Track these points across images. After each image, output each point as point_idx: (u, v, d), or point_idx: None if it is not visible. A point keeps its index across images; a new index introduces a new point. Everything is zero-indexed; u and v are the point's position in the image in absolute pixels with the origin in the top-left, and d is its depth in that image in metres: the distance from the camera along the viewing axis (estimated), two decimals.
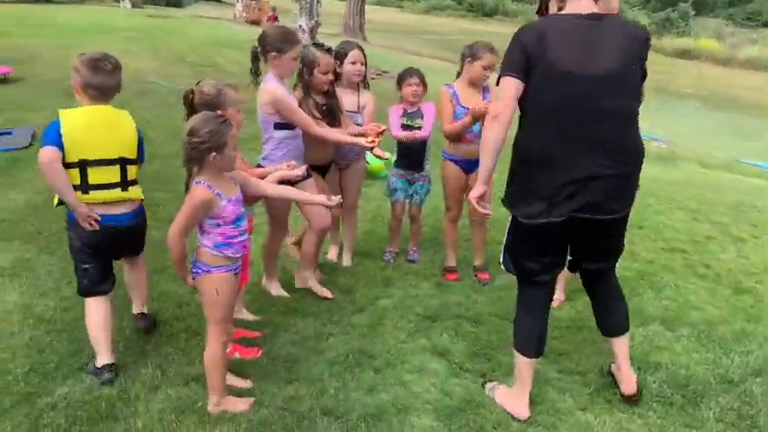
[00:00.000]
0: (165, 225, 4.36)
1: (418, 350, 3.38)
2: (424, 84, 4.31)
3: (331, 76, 3.81)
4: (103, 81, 2.92)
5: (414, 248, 4.70)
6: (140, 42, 14.41)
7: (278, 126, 3.51)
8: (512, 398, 2.91)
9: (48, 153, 2.77)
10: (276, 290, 3.97)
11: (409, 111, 4.31)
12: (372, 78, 6.11)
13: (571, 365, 3.30)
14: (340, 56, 4.02)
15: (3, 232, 4.51)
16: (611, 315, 3.00)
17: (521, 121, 2.70)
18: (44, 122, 7.80)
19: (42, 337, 3.24)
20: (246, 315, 3.59)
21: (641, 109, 2.69)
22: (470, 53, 4.12)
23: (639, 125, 2.68)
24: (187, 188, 2.61)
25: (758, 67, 32.16)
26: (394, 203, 4.56)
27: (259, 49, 3.49)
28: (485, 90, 4.19)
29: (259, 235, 4.05)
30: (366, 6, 25.88)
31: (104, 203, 2.95)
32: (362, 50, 4.13)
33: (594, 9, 2.58)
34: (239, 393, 2.87)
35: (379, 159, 4.07)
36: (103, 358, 2.96)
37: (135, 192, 3.05)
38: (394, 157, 4.46)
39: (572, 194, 2.55)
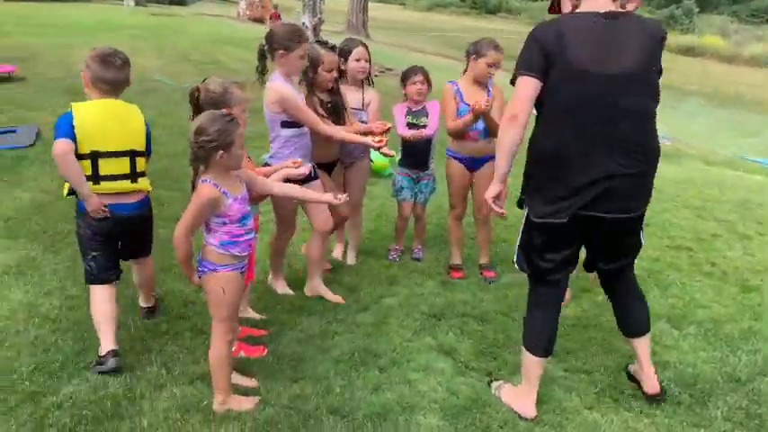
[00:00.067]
0: (171, 223, 4.37)
1: (424, 349, 3.37)
2: (428, 82, 4.29)
3: (335, 74, 3.80)
4: (114, 75, 3.01)
5: (419, 247, 4.68)
6: (144, 40, 14.43)
7: (285, 124, 3.49)
8: (518, 397, 2.90)
9: (61, 145, 2.85)
10: (282, 288, 3.96)
11: (414, 109, 4.29)
12: (376, 76, 6.09)
13: (577, 364, 3.28)
14: (344, 53, 4.00)
15: (8, 231, 4.51)
16: (631, 315, 2.97)
17: (537, 121, 2.68)
18: (48, 121, 7.84)
19: (47, 336, 3.23)
20: (252, 314, 3.58)
21: None
22: (475, 50, 4.11)
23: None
24: (193, 187, 2.60)
25: (762, 64, 32.02)
26: (401, 202, 4.53)
27: (266, 47, 3.47)
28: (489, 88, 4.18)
29: (265, 233, 4.05)
30: (369, 4, 25.84)
31: (114, 194, 3.03)
32: (366, 47, 4.12)
33: (612, 7, 2.56)
34: (245, 392, 2.86)
35: (385, 157, 4.06)
36: (108, 344, 2.98)
37: (143, 183, 3.14)
38: (398, 156, 4.45)
39: (588, 193, 2.55)
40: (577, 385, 3.10)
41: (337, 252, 4.60)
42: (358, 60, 4.04)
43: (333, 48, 3.83)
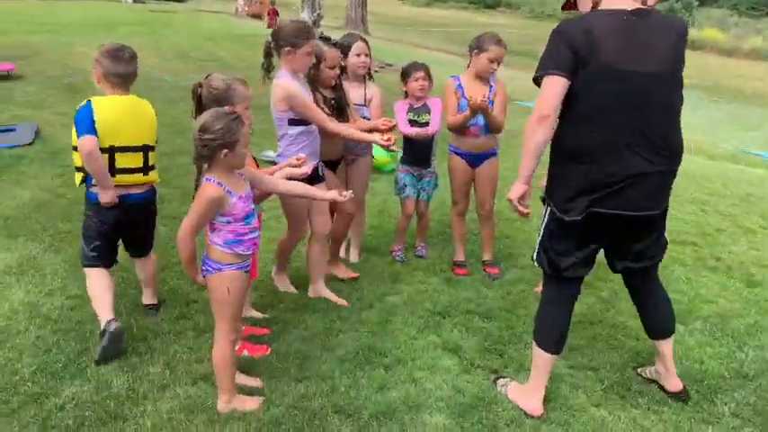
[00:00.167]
0: (171, 222, 4.39)
1: (429, 347, 3.34)
2: (429, 78, 4.25)
3: (338, 71, 3.76)
4: (125, 69, 3.18)
5: (422, 244, 4.65)
6: (142, 37, 14.37)
7: (292, 122, 3.46)
8: (524, 394, 2.88)
9: (89, 142, 3.01)
10: (283, 285, 3.93)
11: (416, 106, 4.24)
12: (376, 71, 6.07)
13: (583, 361, 3.26)
14: (344, 48, 3.96)
15: (8, 230, 4.48)
16: (653, 317, 2.96)
17: (563, 118, 2.63)
18: (48, 119, 7.79)
19: (49, 337, 3.20)
20: (254, 313, 3.56)
21: None
22: (477, 45, 4.07)
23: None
24: (197, 186, 2.57)
25: (762, 57, 31.97)
26: (404, 200, 4.47)
27: (272, 45, 3.43)
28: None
29: (267, 231, 4.02)
30: None
31: (126, 185, 3.20)
32: (366, 42, 4.08)
33: (637, 5, 2.53)
34: (249, 392, 2.84)
35: (390, 152, 4.03)
36: (106, 315, 3.09)
37: (153, 176, 3.33)
38: (400, 153, 4.41)
39: (618, 191, 2.54)
40: (584, 382, 3.08)
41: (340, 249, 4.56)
42: (358, 55, 4.00)
43: (335, 44, 3.79)
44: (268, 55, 3.46)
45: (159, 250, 3.68)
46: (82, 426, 2.59)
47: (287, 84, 3.38)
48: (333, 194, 3.07)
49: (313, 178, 3.45)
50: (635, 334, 3.53)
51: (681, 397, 2.95)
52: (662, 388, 3.01)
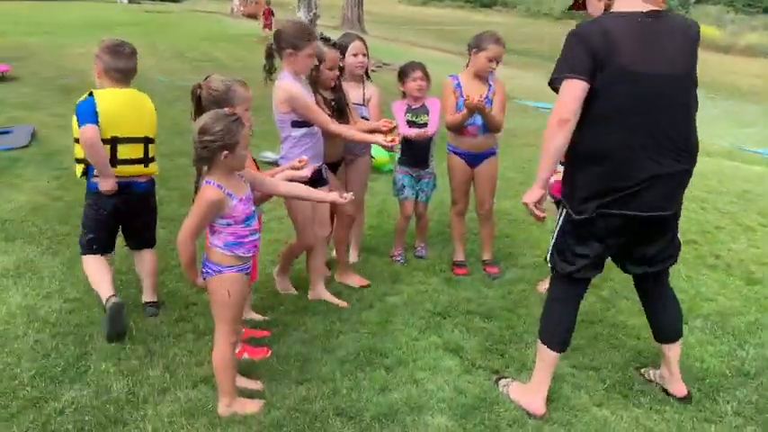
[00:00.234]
0: (170, 224, 4.36)
1: (430, 347, 3.33)
2: (427, 77, 4.22)
3: (337, 72, 3.74)
4: (125, 64, 3.26)
5: (421, 245, 4.63)
6: (138, 38, 14.26)
7: (295, 124, 3.43)
8: (526, 394, 2.86)
9: (91, 131, 3.09)
10: (284, 286, 3.92)
11: (414, 107, 4.22)
12: (373, 71, 6.04)
13: (585, 361, 3.25)
14: (341, 48, 3.94)
15: (5, 233, 4.45)
16: (662, 319, 2.95)
17: (579, 120, 2.59)
18: (43, 121, 7.75)
19: (48, 341, 3.18)
20: (254, 315, 3.54)
21: None
22: (476, 44, 4.05)
23: None
24: (197, 188, 2.55)
25: (758, 54, 32.04)
26: (403, 201, 4.44)
27: (274, 47, 3.41)
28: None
29: (267, 233, 4.00)
30: None
31: (127, 176, 3.30)
32: (363, 41, 4.06)
33: (650, 6, 2.52)
34: (250, 395, 2.82)
35: (389, 152, 4.02)
36: (107, 292, 3.22)
37: (153, 167, 3.42)
38: (398, 154, 4.39)
39: (635, 193, 2.53)
40: (585, 382, 3.07)
41: None
42: (355, 55, 3.98)
43: (334, 45, 3.77)
44: (270, 57, 3.44)
45: (158, 252, 3.66)
46: (81, 430, 2.57)
47: (289, 86, 3.36)
48: (333, 196, 3.05)
49: (316, 181, 3.43)
50: (636, 333, 3.53)
51: (685, 401, 2.94)
52: (665, 391, 2.99)
